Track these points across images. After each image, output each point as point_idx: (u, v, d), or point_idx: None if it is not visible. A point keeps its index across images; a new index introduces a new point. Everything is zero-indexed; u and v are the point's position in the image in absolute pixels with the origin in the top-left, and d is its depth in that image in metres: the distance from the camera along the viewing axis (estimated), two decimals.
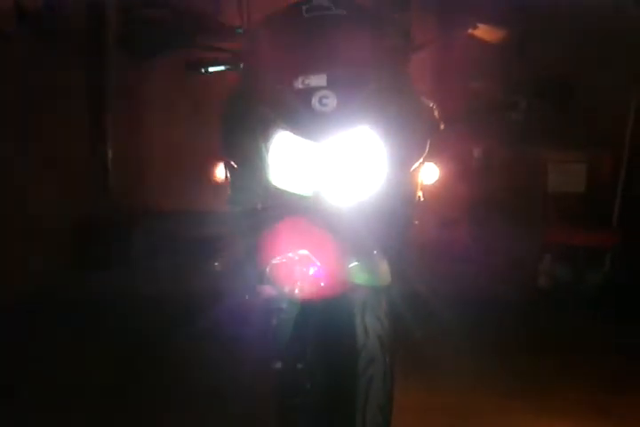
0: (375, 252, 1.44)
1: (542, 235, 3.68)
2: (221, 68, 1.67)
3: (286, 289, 1.44)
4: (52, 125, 3.82)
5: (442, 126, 1.76)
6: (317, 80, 1.38)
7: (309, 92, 1.35)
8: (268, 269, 1.46)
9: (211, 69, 1.69)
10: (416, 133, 1.51)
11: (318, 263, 1.41)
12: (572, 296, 3.52)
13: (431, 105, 1.79)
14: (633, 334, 3.10)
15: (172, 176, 4.86)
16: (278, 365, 1.53)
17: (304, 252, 1.41)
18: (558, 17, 4.14)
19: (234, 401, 2.36)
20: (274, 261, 1.44)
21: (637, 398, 2.58)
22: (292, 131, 1.37)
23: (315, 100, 1.34)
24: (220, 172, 1.68)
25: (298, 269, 1.42)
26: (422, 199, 1.64)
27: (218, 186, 1.71)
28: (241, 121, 1.48)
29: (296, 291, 1.43)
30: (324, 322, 1.45)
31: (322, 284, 1.41)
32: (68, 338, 2.98)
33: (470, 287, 3.55)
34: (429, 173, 1.66)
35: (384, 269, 1.42)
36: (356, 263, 1.41)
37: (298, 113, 1.35)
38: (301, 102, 1.35)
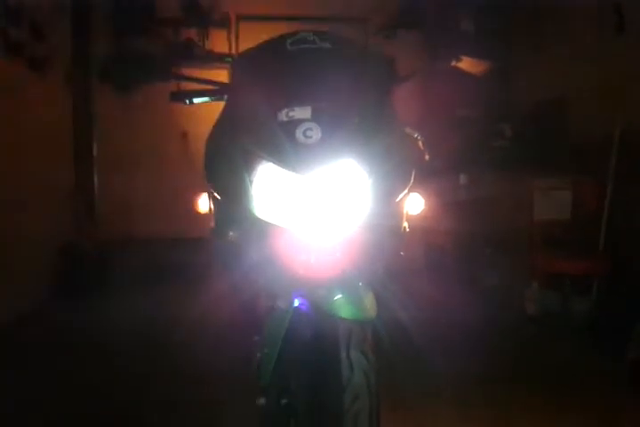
0: (360, 284, 1.43)
1: (529, 262, 3.68)
2: (206, 99, 1.67)
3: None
4: (37, 152, 3.80)
5: (427, 157, 1.76)
6: (302, 113, 1.38)
7: (294, 124, 1.34)
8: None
9: (195, 101, 1.69)
10: (401, 165, 1.51)
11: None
12: (559, 323, 3.50)
13: (416, 136, 1.80)
14: (620, 361, 3.08)
15: (156, 204, 4.86)
16: (262, 400, 1.50)
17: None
18: (542, 46, 4.21)
19: None
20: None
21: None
22: (275, 163, 1.35)
23: (299, 133, 1.33)
24: (203, 201, 1.66)
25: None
26: (408, 230, 1.63)
27: (201, 215, 1.69)
28: (225, 152, 1.47)
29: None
30: (308, 357, 1.43)
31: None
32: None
33: (457, 315, 3.53)
34: (415, 204, 1.65)
35: (369, 301, 1.40)
36: (340, 296, 1.39)
37: (282, 145, 1.34)
38: (285, 134, 1.34)
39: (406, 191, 1.56)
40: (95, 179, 4.63)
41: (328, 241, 1.39)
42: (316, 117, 1.35)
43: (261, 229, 1.39)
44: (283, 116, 1.38)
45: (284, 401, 1.49)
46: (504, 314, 3.60)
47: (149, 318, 3.69)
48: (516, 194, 3.83)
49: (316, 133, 1.33)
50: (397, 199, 1.53)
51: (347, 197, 1.37)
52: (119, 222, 4.83)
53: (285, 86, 1.44)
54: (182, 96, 1.66)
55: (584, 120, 3.91)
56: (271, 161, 1.36)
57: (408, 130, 1.76)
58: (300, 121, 1.34)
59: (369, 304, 1.39)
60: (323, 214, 1.37)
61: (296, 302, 1.49)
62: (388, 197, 1.46)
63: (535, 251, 3.66)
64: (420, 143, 1.74)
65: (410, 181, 1.55)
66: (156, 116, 4.73)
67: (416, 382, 2.69)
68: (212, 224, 1.61)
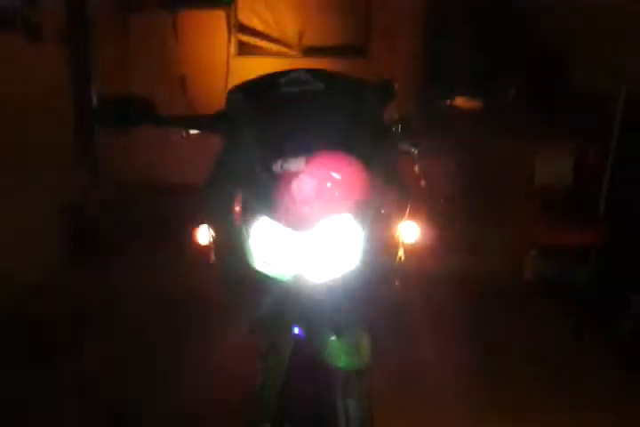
0: (355, 326, 1.48)
1: (528, 229, 3.70)
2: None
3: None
4: (37, 112, 3.73)
5: (423, 183, 1.78)
6: (296, 164, 1.40)
7: (288, 177, 1.36)
8: None
9: (192, 131, 1.68)
10: (396, 206, 1.54)
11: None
12: (557, 291, 3.55)
13: (412, 151, 1.80)
14: (614, 330, 3.17)
15: (160, 148, 4.75)
16: (266, 425, 1.59)
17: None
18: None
19: None
20: None
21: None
22: (272, 218, 1.39)
23: (294, 187, 1.35)
24: (203, 233, 1.68)
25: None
26: (403, 259, 1.67)
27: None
28: (222, 201, 1.50)
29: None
30: (305, 397, 1.51)
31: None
32: None
33: (454, 280, 3.57)
34: (410, 232, 1.68)
35: (365, 346, 1.46)
36: (335, 340, 1.45)
37: (277, 201, 1.37)
38: (281, 189, 1.37)
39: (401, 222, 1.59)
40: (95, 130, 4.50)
41: (322, 287, 1.44)
42: (310, 169, 1.37)
43: (259, 280, 1.44)
44: (277, 167, 1.40)
45: (287, 425, 1.59)
46: (501, 282, 3.63)
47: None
48: (518, 160, 3.80)
49: (311, 188, 1.35)
50: (391, 235, 1.57)
51: (340, 246, 1.42)
52: (123, 169, 4.69)
53: (279, 136, 1.45)
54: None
55: (587, 84, 3.81)
56: (268, 215, 1.39)
57: (403, 147, 1.76)
58: (295, 174, 1.36)
59: (364, 350, 1.45)
60: (317, 264, 1.41)
61: (295, 331, 1.55)
62: (380, 242, 1.50)
63: (535, 217, 3.67)
64: (416, 168, 1.75)
65: (404, 216, 1.59)
66: (154, 59, 4.59)
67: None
68: (212, 258, 1.64)
